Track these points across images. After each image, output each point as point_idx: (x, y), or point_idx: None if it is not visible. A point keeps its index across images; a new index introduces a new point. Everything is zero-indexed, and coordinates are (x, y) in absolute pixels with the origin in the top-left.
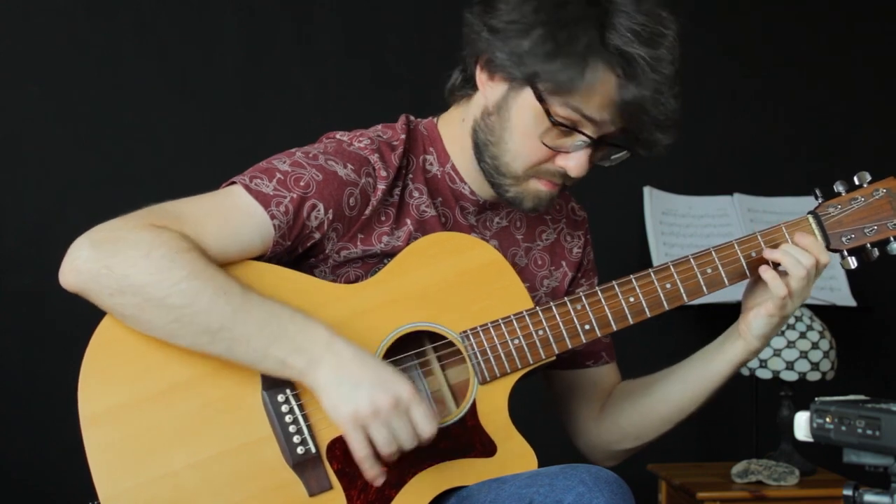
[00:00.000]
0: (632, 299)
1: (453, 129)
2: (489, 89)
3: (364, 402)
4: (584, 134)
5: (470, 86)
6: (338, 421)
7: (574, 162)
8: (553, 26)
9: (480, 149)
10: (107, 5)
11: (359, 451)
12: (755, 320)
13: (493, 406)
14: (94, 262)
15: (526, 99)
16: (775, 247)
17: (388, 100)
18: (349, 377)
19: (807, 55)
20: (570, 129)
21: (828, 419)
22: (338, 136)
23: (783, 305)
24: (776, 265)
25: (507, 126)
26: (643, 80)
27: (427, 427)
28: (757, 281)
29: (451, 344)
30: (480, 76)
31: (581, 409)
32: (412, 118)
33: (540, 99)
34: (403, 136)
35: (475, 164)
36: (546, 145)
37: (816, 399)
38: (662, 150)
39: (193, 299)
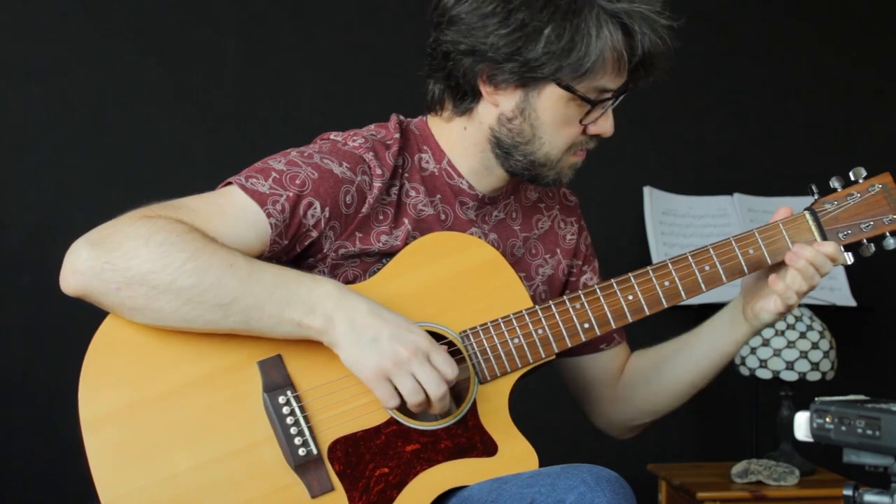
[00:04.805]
0: (630, 297)
1: (451, 134)
2: (499, 98)
3: (385, 355)
4: (610, 98)
5: (469, 100)
6: (361, 375)
7: (607, 124)
8: (559, 21)
9: (508, 151)
10: (107, 5)
11: (388, 402)
12: (763, 314)
13: (494, 405)
14: (94, 260)
15: (551, 94)
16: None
17: (387, 100)
18: (366, 331)
19: (807, 55)
20: (603, 100)
21: (828, 419)
22: (332, 137)
23: (791, 306)
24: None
25: (537, 124)
26: (650, 27)
27: (449, 370)
28: (759, 277)
29: (450, 344)
30: (486, 89)
31: (597, 391)
32: (402, 118)
33: (568, 89)
34: (397, 136)
35: (476, 162)
36: (584, 124)
37: (816, 399)
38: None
39: (201, 277)
